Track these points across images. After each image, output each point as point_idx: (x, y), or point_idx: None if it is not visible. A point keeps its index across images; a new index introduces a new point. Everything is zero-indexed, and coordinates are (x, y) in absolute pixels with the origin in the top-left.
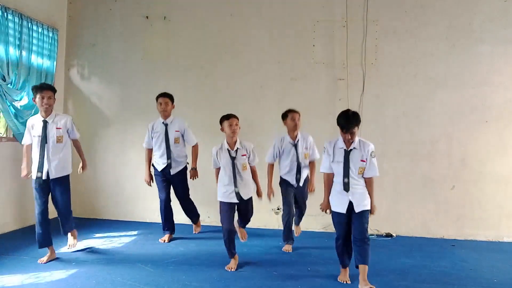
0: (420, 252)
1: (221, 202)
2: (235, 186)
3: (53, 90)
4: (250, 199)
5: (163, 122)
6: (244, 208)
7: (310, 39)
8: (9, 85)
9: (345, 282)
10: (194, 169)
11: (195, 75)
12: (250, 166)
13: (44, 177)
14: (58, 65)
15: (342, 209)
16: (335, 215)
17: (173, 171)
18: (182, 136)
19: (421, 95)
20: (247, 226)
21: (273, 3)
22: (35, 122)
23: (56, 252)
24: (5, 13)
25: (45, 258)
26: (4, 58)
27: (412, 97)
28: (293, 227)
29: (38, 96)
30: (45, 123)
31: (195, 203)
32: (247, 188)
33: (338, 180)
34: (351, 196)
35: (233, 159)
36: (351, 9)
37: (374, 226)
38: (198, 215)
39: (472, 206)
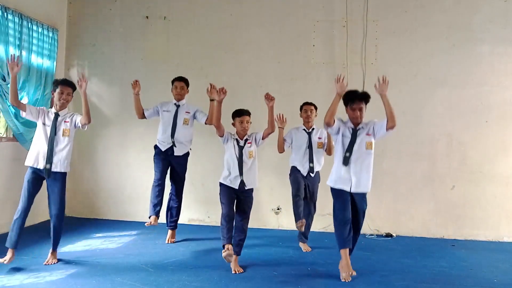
0: (420, 252)
1: (221, 186)
2: (241, 174)
3: (74, 88)
4: (252, 192)
5: (175, 104)
6: (245, 199)
7: (310, 39)
8: (9, 85)
9: (350, 275)
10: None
11: (195, 75)
12: (264, 134)
13: (51, 168)
14: (58, 65)
15: (344, 187)
16: (336, 193)
17: (176, 153)
18: (193, 117)
19: (421, 95)
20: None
21: (273, 3)
22: (46, 112)
23: (58, 251)
24: (5, 13)
25: (49, 259)
26: (4, 58)
27: (412, 97)
28: (300, 244)
29: (58, 90)
30: (56, 115)
31: (195, 203)
32: (252, 176)
33: (342, 156)
34: (353, 175)
35: (240, 148)
36: (351, 9)
37: (374, 226)
38: (176, 222)
39: (472, 206)
